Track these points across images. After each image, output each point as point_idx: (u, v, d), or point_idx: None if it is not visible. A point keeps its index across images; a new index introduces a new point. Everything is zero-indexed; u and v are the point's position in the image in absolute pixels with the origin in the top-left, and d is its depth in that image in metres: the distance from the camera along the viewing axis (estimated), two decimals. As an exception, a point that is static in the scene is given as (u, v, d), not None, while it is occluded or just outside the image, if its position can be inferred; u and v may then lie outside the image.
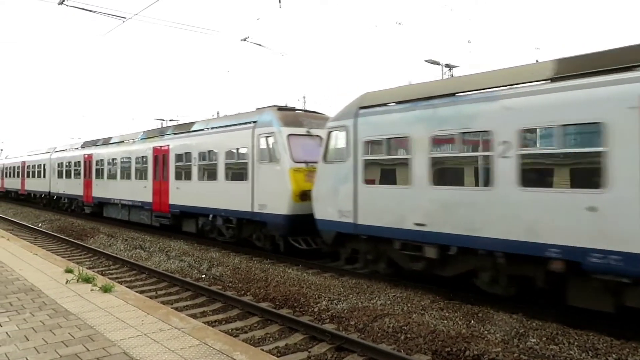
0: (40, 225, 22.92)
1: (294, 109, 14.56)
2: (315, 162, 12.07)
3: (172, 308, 7.64)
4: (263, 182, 13.19)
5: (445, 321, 7.73)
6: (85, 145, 26.60)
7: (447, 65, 24.65)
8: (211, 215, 15.29)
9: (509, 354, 6.41)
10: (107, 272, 12.23)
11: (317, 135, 13.14)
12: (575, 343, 6.76)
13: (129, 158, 20.79)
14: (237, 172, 14.26)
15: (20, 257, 10.46)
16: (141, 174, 19.79)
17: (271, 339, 7.35)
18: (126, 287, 8.75)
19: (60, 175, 29.03)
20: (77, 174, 26.37)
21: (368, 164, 10.29)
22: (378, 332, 7.41)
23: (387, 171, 10.10)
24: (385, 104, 10.05)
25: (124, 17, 13.31)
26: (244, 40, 16.36)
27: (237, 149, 14.29)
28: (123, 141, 22.20)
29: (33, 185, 34.50)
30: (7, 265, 9.32)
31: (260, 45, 17.15)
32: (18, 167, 39.01)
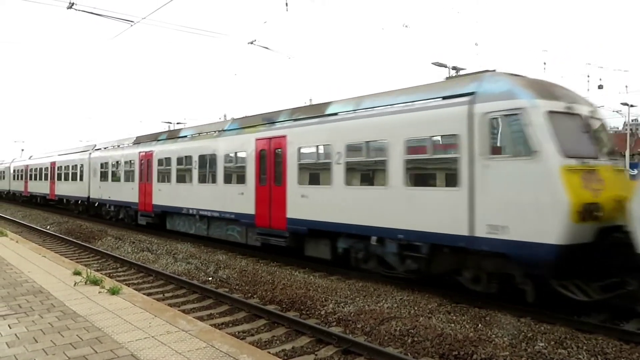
0: (48, 227, 23.07)
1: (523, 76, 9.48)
2: (590, 158, 8.21)
3: (179, 310, 7.67)
4: (499, 189, 8.29)
5: (453, 324, 7.70)
6: (140, 140, 21.53)
7: (454, 68, 24.53)
8: (374, 239, 10.45)
9: (516, 357, 6.37)
10: (114, 274, 12.29)
11: (577, 114, 8.63)
12: (584, 347, 6.70)
13: (213, 156, 15.69)
14: (434, 172, 9.72)
15: (29, 259, 10.54)
16: (234, 177, 14.91)
17: (278, 341, 7.35)
18: (134, 289, 8.79)
19: (104, 177, 24.04)
20: (129, 177, 21.34)
21: None
22: (385, 335, 7.39)
23: None
24: None
25: (132, 21, 13.40)
26: (251, 43, 16.37)
27: (432, 137, 9.45)
28: (201, 134, 17.07)
29: (66, 189, 29.49)
30: (16, 267, 9.40)
31: (267, 48, 17.09)
32: (46, 168, 33.54)
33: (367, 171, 10.98)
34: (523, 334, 7.21)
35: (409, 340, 7.14)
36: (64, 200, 30.24)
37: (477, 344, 6.75)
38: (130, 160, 21.37)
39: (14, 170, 43.87)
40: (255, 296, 9.93)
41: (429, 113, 9.57)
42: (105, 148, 24.96)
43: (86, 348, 4.94)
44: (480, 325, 7.69)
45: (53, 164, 32.14)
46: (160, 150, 19.15)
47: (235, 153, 14.86)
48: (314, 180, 12.18)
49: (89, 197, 25.91)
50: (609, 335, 7.09)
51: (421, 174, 9.92)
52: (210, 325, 6.81)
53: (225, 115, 28.92)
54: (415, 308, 8.63)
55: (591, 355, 6.49)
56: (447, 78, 10.14)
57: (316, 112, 12.42)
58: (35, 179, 36.37)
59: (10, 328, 5.60)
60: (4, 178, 48.06)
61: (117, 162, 22.71)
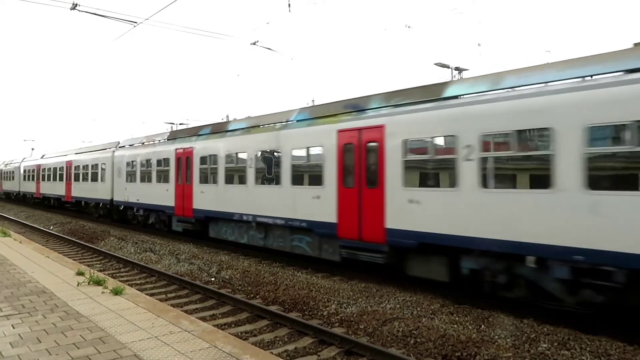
0: (51, 228, 23.14)
1: None
2: None
3: (182, 311, 7.68)
4: None
5: (455, 325, 7.70)
6: (176, 136, 19.04)
7: (457, 69, 24.52)
8: (532, 259, 7.92)
9: (519, 359, 6.36)
10: (117, 274, 12.32)
11: None
12: (588, 348, 6.69)
13: (276, 152, 13.13)
14: None
15: (32, 259, 10.57)
16: (306, 177, 12.34)
17: (280, 342, 7.36)
18: (136, 289, 8.81)
19: (130, 178, 21.38)
20: (163, 177, 18.65)
21: None
22: (387, 336, 7.39)
23: None
24: None
25: (135, 22, 13.42)
26: (254, 44, 16.38)
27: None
28: (258, 126, 14.40)
29: (85, 191, 26.87)
30: (20, 268, 9.43)
31: (270, 49, 17.07)
32: (61, 168, 30.75)
33: (516, 169, 8.41)
34: (526, 335, 7.20)
35: (412, 341, 7.14)
36: (82, 203, 27.71)
37: (480, 345, 6.74)
38: (164, 159, 18.62)
39: (25, 170, 40.41)
40: (257, 297, 9.95)
41: (632, 89, 6.92)
42: (131, 145, 22.45)
43: (89, 348, 4.96)
44: (483, 326, 7.68)
45: (69, 163, 29.42)
46: (203, 146, 16.37)
47: (307, 148, 12.20)
48: (429, 181, 9.61)
49: (112, 199, 23.33)
50: (613, 336, 7.07)
51: (617, 174, 7.26)
52: (213, 325, 6.81)
53: (227, 116, 28.69)
54: (418, 309, 8.62)
55: (594, 357, 6.47)
56: (635, 44, 7.74)
57: (428, 95, 9.84)
58: (49, 179, 33.36)
59: (13, 328, 5.61)
60: (13, 179, 44.52)
61: (148, 160, 19.91)
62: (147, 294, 8.73)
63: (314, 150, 12.07)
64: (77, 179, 28.10)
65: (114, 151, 23.71)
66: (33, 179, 37.53)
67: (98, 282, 7.96)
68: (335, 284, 10.63)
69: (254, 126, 14.65)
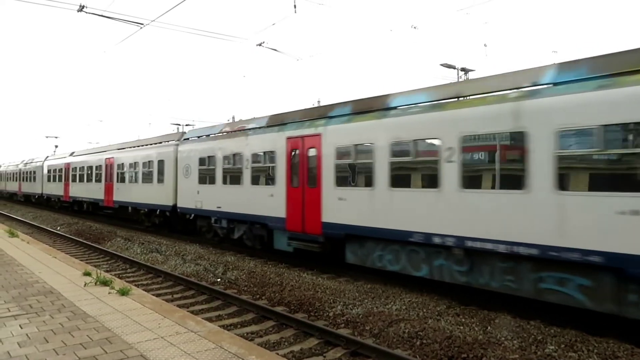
0: (58, 228, 23.27)
1: None
2: None
3: (188, 311, 7.70)
4: None
5: (462, 327, 7.67)
6: (284, 120, 13.98)
7: (463, 69, 24.50)
8: None
9: (526, 361, 6.33)
10: (124, 275, 12.38)
11: None
12: (595, 350, 6.65)
13: (513, 137, 8.27)
14: None
15: (39, 259, 10.63)
16: (591, 178, 7.39)
17: (286, 343, 7.37)
18: (143, 290, 8.85)
19: (205, 179, 16.62)
20: (264, 177, 14.05)
21: None
22: (393, 337, 7.38)
23: None
24: None
25: (142, 24, 13.49)
26: (260, 45, 16.41)
27: None
28: (457, 98, 9.52)
29: (133, 194, 22.16)
30: (27, 268, 9.49)
31: (275, 50, 17.13)
32: (98, 167, 26.20)
33: None
34: (533, 336, 7.17)
35: (418, 343, 7.12)
36: (129, 208, 22.93)
37: (487, 347, 6.71)
38: (266, 152, 13.93)
39: (49, 170, 35.41)
40: (263, 297, 9.96)
41: None
42: (201, 137, 17.84)
43: (96, 348, 4.98)
44: (489, 327, 7.65)
45: (110, 161, 24.83)
46: (340, 132, 11.54)
47: (602, 128, 7.05)
48: None
49: (174, 205, 18.73)
50: (620, 338, 7.02)
51: None
52: (219, 326, 6.83)
53: (233, 117, 28.17)
54: (424, 310, 8.60)
55: (602, 359, 6.43)
56: None
57: None
58: (81, 180, 28.67)
59: (21, 328, 5.65)
60: (34, 179, 39.30)
61: (235, 155, 15.15)
62: (153, 295, 8.76)
63: (622, 133, 7.04)
64: (121, 179, 23.45)
65: (177, 145, 19.05)
66: (60, 180, 32.79)
67: (105, 283, 8.00)
68: (341, 285, 10.62)
69: (449, 99, 9.65)
